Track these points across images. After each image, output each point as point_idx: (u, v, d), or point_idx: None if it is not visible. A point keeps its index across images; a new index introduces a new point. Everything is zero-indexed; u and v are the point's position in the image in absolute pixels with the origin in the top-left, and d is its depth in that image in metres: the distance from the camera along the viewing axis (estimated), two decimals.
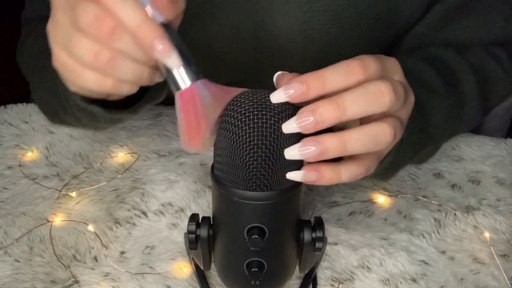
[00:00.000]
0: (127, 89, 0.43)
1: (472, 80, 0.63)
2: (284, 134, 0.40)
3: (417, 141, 0.56)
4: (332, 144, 0.38)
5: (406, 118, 0.44)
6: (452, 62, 0.63)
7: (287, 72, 0.42)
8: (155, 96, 0.55)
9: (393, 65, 0.43)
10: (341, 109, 0.38)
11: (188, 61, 0.40)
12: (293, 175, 0.41)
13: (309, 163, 0.41)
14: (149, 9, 0.39)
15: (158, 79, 0.43)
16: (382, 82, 0.39)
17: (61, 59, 0.42)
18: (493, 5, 0.66)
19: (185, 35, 0.63)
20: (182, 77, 0.40)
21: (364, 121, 0.41)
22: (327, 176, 0.40)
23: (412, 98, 0.44)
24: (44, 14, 0.69)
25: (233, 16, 0.62)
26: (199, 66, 0.41)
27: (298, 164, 0.42)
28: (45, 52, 0.61)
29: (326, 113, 0.38)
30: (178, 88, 0.40)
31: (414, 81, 0.56)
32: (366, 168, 0.42)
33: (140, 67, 0.41)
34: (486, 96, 0.65)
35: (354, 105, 0.38)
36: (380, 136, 0.40)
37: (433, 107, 0.58)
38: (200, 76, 0.41)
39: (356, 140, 0.39)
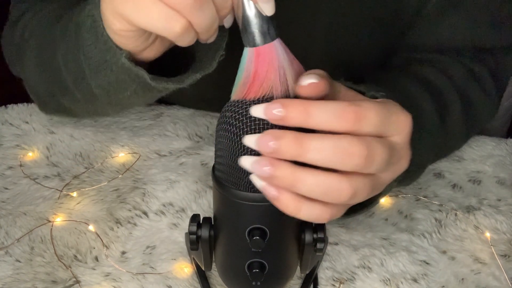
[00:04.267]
0: (190, 40, 0.41)
1: (458, 109, 0.62)
2: None
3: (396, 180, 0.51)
4: (283, 175, 0.36)
5: (387, 180, 0.41)
6: (444, 90, 0.62)
7: (316, 79, 0.38)
8: (206, 66, 0.51)
9: (401, 123, 0.39)
10: (303, 150, 0.36)
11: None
12: (255, 180, 0.38)
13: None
14: None
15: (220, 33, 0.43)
16: (358, 143, 0.36)
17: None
18: (485, 6, 0.66)
19: None
20: (268, 31, 0.39)
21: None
22: (284, 200, 0.38)
23: (403, 164, 0.41)
24: None
25: None
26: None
27: None
28: (67, 12, 0.58)
29: (286, 147, 0.36)
30: (258, 42, 0.39)
31: (412, 113, 0.50)
32: (331, 215, 0.39)
33: (216, 13, 0.40)
34: (469, 122, 0.65)
35: (316, 152, 0.36)
36: (334, 192, 0.37)
37: (419, 146, 0.54)
38: (278, 33, 0.39)
39: (308, 184, 0.37)
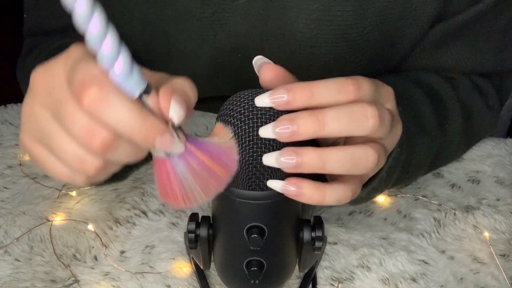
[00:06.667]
0: (106, 176, 0.38)
1: (460, 120, 0.62)
2: None
3: (395, 174, 0.54)
4: (310, 158, 0.37)
5: (390, 148, 0.42)
6: (446, 97, 0.62)
7: (272, 63, 0.40)
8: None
9: (387, 93, 0.41)
10: (320, 123, 0.36)
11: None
12: (273, 184, 0.39)
13: (292, 175, 0.39)
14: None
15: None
16: (369, 105, 0.37)
17: (34, 152, 0.37)
18: (489, 34, 0.65)
19: (193, 41, 0.63)
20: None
21: (348, 143, 0.40)
22: (308, 193, 0.38)
23: (399, 130, 0.43)
24: (47, 27, 0.69)
25: (241, 24, 0.61)
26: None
27: None
28: None
29: (304, 125, 0.36)
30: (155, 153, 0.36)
31: (410, 113, 0.55)
32: (353, 192, 0.40)
33: (133, 154, 0.36)
34: (469, 133, 0.65)
35: (334, 122, 0.36)
36: (362, 160, 0.38)
37: (418, 145, 0.56)
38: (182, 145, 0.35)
39: (336, 160, 0.37)
